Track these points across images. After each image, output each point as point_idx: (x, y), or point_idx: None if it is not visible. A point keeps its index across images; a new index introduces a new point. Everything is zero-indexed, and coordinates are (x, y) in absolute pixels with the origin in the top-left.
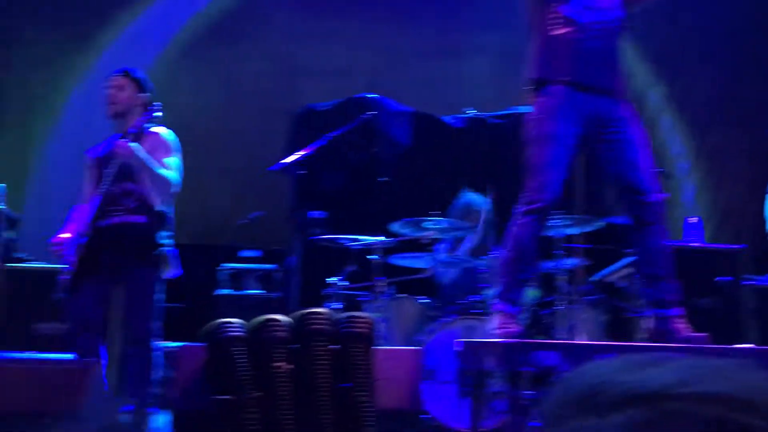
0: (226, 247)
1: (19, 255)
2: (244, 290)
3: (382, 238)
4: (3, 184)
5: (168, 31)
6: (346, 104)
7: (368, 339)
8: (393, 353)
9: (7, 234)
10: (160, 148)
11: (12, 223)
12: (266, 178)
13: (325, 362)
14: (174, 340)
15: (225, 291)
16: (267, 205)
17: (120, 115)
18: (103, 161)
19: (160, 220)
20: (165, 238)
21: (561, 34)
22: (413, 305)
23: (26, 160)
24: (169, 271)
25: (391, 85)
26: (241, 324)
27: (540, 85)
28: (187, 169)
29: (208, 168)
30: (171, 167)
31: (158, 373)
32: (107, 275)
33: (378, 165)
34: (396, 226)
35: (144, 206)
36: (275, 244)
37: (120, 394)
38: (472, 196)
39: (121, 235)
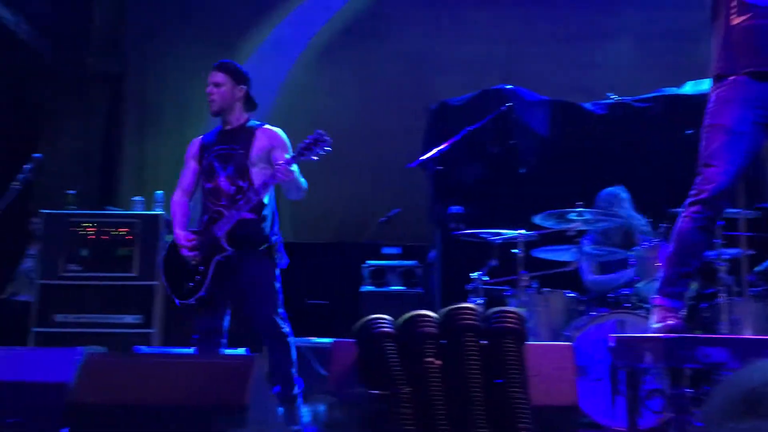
0: (369, 244)
1: None
2: (387, 287)
3: (524, 232)
4: (161, 191)
5: (305, 36)
6: (481, 97)
7: (519, 334)
8: (544, 348)
9: (167, 238)
10: (280, 147)
11: (170, 226)
12: (404, 174)
13: (476, 358)
14: (321, 336)
15: (368, 288)
16: (405, 201)
17: (222, 112)
18: (209, 155)
19: (269, 214)
20: (274, 231)
21: (740, 22)
22: (560, 299)
23: (181, 166)
24: (281, 262)
25: (527, 74)
26: (390, 320)
27: (720, 77)
28: (327, 168)
29: (347, 167)
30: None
31: (295, 365)
32: (228, 280)
33: (517, 157)
34: (538, 219)
35: (256, 203)
36: (414, 240)
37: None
38: (616, 188)
39: (237, 233)
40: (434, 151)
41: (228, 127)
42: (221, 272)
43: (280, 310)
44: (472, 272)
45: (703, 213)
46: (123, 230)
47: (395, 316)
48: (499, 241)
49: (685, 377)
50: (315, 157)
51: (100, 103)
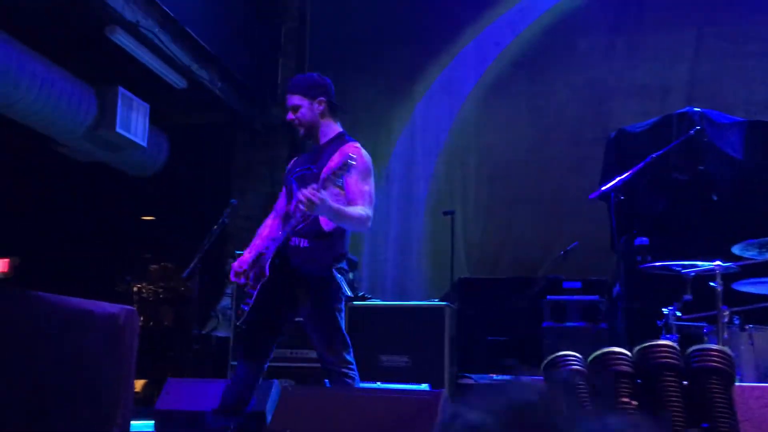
0: (549, 278)
1: (360, 293)
2: (568, 322)
3: (721, 263)
4: None
5: (475, 74)
6: (664, 122)
7: (727, 375)
8: (756, 391)
9: (349, 275)
10: (354, 170)
11: (352, 265)
12: (581, 206)
13: (677, 399)
14: (500, 373)
15: (549, 323)
16: (584, 233)
17: (310, 132)
18: (291, 177)
19: (330, 244)
20: (334, 262)
21: None
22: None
23: None
24: (339, 296)
25: (711, 94)
26: (579, 357)
27: None
28: (503, 201)
29: (523, 200)
30: (364, 199)
31: None
32: (280, 304)
33: (708, 183)
34: (738, 249)
35: (309, 230)
36: (594, 273)
37: None
38: None
39: (276, 259)
40: (616, 180)
41: (316, 145)
42: (264, 298)
43: (337, 346)
44: (662, 307)
45: None
46: None
47: (578, 353)
48: (693, 274)
49: None
50: (342, 180)
51: (282, 149)
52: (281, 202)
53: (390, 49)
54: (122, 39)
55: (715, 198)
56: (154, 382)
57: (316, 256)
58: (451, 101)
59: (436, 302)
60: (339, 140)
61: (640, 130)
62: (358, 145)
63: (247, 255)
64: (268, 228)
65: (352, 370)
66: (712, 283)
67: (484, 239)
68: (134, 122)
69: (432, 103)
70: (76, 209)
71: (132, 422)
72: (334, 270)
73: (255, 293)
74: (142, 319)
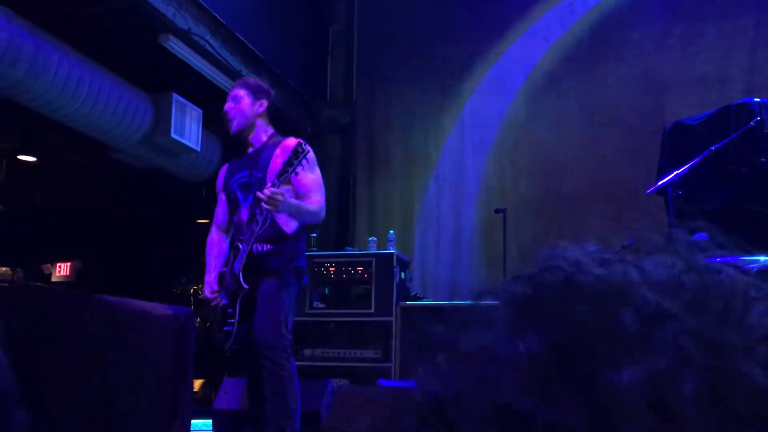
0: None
1: (413, 293)
2: None
3: None
4: (392, 231)
5: (525, 69)
6: (723, 113)
7: None
8: None
9: (401, 275)
10: (304, 161)
11: (404, 265)
12: (637, 201)
13: None
14: None
15: None
16: (639, 229)
17: (242, 131)
18: (233, 184)
19: (291, 245)
20: (294, 265)
21: None
22: None
23: (411, 206)
24: (294, 295)
25: None
26: None
27: None
28: (553, 198)
29: (574, 196)
30: (317, 190)
31: (293, 396)
32: (251, 314)
33: None
34: None
35: (270, 234)
36: None
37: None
38: None
39: (248, 267)
40: (673, 174)
41: (251, 150)
42: (245, 310)
43: (279, 338)
44: None
45: None
46: (360, 269)
47: None
48: (757, 269)
49: None
50: (296, 172)
51: (334, 151)
52: (221, 213)
53: (437, 47)
54: (175, 46)
55: None
56: (211, 382)
57: (279, 257)
58: (500, 98)
59: (489, 302)
60: (275, 139)
61: (698, 122)
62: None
63: (210, 277)
64: (217, 245)
65: (286, 359)
66: None
67: (537, 237)
68: (188, 128)
69: (481, 100)
70: (134, 214)
71: (192, 421)
72: (291, 268)
73: (237, 309)
74: (198, 320)
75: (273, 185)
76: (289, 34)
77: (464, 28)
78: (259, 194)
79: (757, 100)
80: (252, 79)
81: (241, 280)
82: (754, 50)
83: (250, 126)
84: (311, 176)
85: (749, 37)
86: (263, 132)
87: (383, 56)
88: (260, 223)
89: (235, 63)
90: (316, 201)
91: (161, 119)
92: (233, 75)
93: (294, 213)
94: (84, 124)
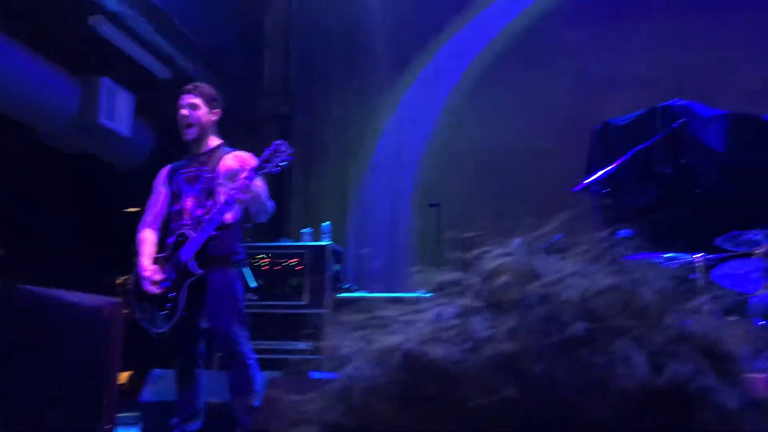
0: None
1: (346, 285)
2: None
3: (704, 255)
4: (328, 223)
5: (462, 64)
6: (649, 115)
7: None
8: None
9: (335, 267)
10: (257, 173)
11: (338, 256)
12: (567, 198)
13: None
14: None
15: None
16: (568, 226)
17: (197, 135)
18: (178, 178)
19: (232, 233)
20: (239, 249)
21: None
22: (746, 328)
23: (347, 198)
24: (250, 283)
25: (700, 87)
26: None
27: None
28: (488, 194)
29: (508, 193)
30: (267, 193)
31: (259, 384)
32: (198, 301)
33: (691, 176)
34: (720, 241)
35: (220, 222)
36: None
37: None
38: None
39: (205, 254)
40: (599, 173)
41: (199, 151)
42: (192, 296)
43: (241, 328)
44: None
45: None
46: (294, 260)
47: None
48: (675, 266)
49: None
50: (276, 169)
51: (270, 141)
52: (158, 204)
53: (376, 40)
54: (106, 29)
55: (697, 191)
56: (139, 374)
57: (224, 244)
58: (437, 93)
59: (422, 294)
60: (222, 148)
61: (625, 123)
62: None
63: (148, 264)
64: (150, 233)
65: (249, 348)
66: (692, 276)
67: (470, 232)
68: (118, 113)
69: (418, 94)
70: (61, 200)
71: (118, 414)
72: (237, 258)
73: (183, 295)
74: (126, 311)
75: (248, 178)
76: (225, 22)
77: (402, 22)
78: (238, 182)
79: (682, 102)
80: (205, 86)
81: (193, 266)
82: (683, 54)
83: (204, 133)
84: (263, 184)
85: (679, 41)
86: (212, 138)
87: (321, 47)
88: (211, 212)
89: (168, 47)
90: (270, 202)
91: (90, 103)
92: (165, 60)
93: (260, 205)
94: (8, 106)
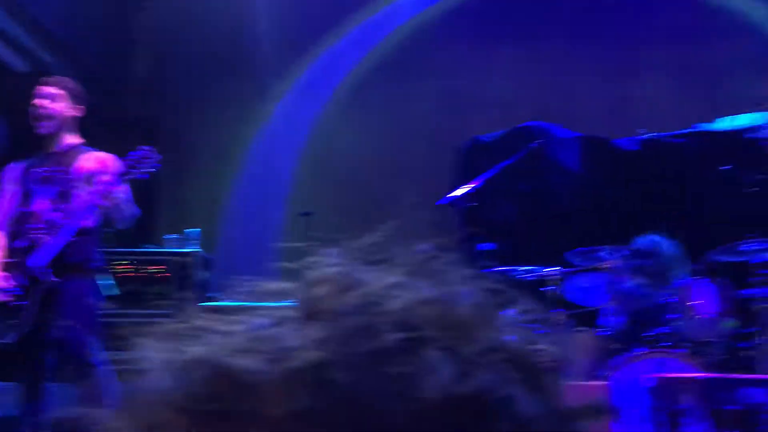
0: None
1: (213, 294)
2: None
3: (557, 269)
4: (198, 229)
5: (337, 77)
6: (512, 134)
7: (553, 374)
8: (581, 388)
9: (202, 275)
10: (110, 174)
11: (205, 264)
12: (435, 213)
13: None
14: None
15: None
16: (437, 239)
17: (51, 129)
18: (30, 177)
19: (91, 239)
20: (97, 256)
21: None
22: (591, 338)
23: (217, 204)
24: (110, 291)
25: (561, 110)
26: None
27: None
28: (359, 205)
29: (378, 204)
30: (129, 197)
31: (111, 402)
32: (50, 310)
33: (548, 194)
34: (571, 256)
35: (78, 227)
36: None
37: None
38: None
39: (61, 260)
40: (464, 188)
41: (54, 149)
42: (44, 304)
43: (95, 338)
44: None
45: None
46: (158, 267)
47: None
48: (531, 279)
49: (730, 419)
50: (143, 176)
51: (135, 145)
52: (10, 204)
53: (251, 45)
54: None
55: (553, 208)
56: None
57: (80, 250)
58: (313, 102)
59: (290, 303)
60: (80, 147)
61: (490, 141)
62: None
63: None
64: (1, 236)
65: (105, 363)
66: (544, 288)
67: (340, 243)
68: None
69: (294, 102)
70: None
71: None
72: (94, 266)
73: (36, 303)
74: None
75: (112, 183)
76: (90, 18)
77: (279, 29)
78: (103, 187)
79: (541, 124)
80: (69, 81)
81: (46, 273)
82: (543, 76)
83: (61, 129)
84: (125, 187)
85: (545, 63)
86: (70, 136)
87: (193, 49)
88: (67, 216)
89: (26, 39)
90: (133, 208)
91: None
92: (23, 51)
93: (119, 213)
94: None
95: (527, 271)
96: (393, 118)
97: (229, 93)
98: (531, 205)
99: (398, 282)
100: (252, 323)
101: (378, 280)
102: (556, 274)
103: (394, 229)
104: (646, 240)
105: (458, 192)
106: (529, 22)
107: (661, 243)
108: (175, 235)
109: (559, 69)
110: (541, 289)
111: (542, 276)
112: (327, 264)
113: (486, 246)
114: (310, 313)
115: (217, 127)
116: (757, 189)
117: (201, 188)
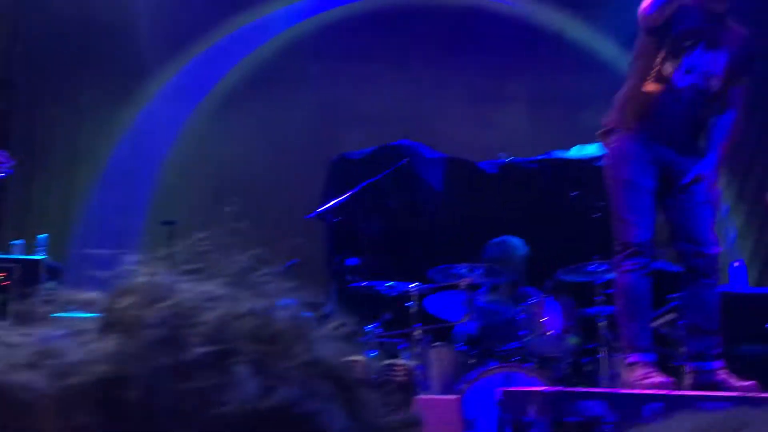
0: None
1: (51, 304)
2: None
3: (418, 285)
4: (45, 234)
5: (207, 84)
6: (381, 152)
7: (408, 387)
8: (434, 402)
9: (49, 284)
10: None
11: (53, 272)
12: (304, 226)
13: None
14: None
15: None
16: (304, 253)
17: None
18: None
19: None
20: None
21: (654, 90)
22: (449, 353)
23: (72, 209)
24: None
25: (429, 131)
26: None
27: (613, 131)
28: (226, 217)
29: (247, 216)
30: None
31: None
32: None
33: (415, 212)
34: (433, 273)
35: None
36: (311, 292)
37: None
38: (509, 242)
39: None
40: (331, 202)
41: None
42: None
43: None
44: (368, 325)
45: (642, 264)
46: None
47: None
48: (394, 294)
49: (570, 430)
50: None
51: None
52: None
53: (118, 43)
54: None
55: (420, 225)
56: None
57: None
58: (180, 108)
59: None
60: None
61: (359, 158)
62: None
63: None
64: None
65: None
66: (406, 303)
67: (204, 254)
68: None
69: (160, 108)
70: None
71: None
72: None
73: None
74: None
75: None
76: None
77: (150, 30)
78: None
79: (409, 143)
80: None
81: None
82: (414, 96)
83: None
84: None
85: (416, 85)
86: None
87: (54, 42)
88: None
89: None
90: None
91: None
92: None
93: None
94: None
95: (390, 287)
96: (265, 128)
97: (91, 91)
98: (397, 222)
99: (215, 293)
100: (40, 335)
101: (192, 291)
102: (417, 290)
103: (218, 239)
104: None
105: (326, 206)
106: (403, 43)
107: (515, 245)
108: (21, 241)
109: (430, 90)
110: (404, 304)
111: (404, 291)
112: (138, 273)
113: (352, 261)
114: (109, 325)
115: (77, 126)
116: (600, 214)
117: (55, 191)
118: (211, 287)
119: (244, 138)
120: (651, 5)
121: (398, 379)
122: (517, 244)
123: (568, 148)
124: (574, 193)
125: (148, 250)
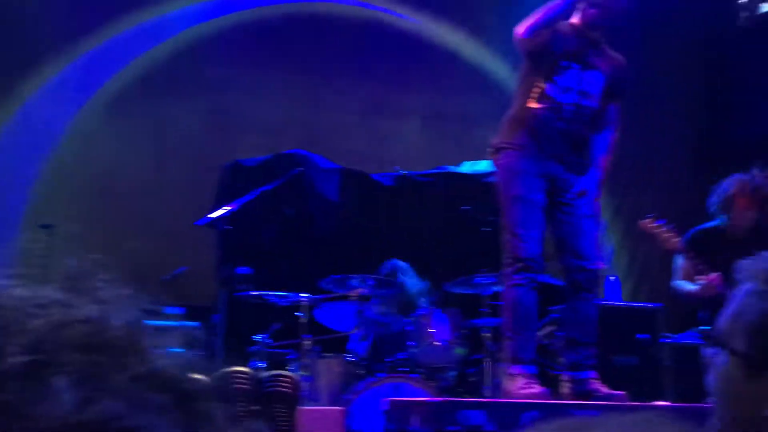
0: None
1: None
2: (166, 348)
3: (308, 295)
4: None
5: (94, 83)
6: (275, 160)
7: (292, 398)
8: (318, 413)
9: None
10: None
11: None
12: (193, 232)
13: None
14: None
15: None
16: (193, 260)
17: None
18: None
19: None
20: None
21: (536, 108)
22: (339, 364)
23: None
24: None
25: (325, 141)
26: None
27: (503, 148)
28: (112, 221)
29: (134, 220)
30: None
31: None
32: None
33: (308, 221)
34: (324, 283)
35: None
36: (200, 300)
37: None
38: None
39: None
40: (223, 210)
41: None
42: None
43: None
44: (257, 335)
45: (528, 277)
46: None
47: None
48: (284, 304)
49: None
50: None
51: None
52: None
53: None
54: None
55: (314, 235)
56: None
57: None
58: (65, 106)
59: None
60: None
61: (253, 165)
62: None
63: None
64: None
65: None
66: (296, 314)
67: (84, 259)
68: None
69: (43, 104)
70: None
71: None
72: None
73: None
74: None
75: None
76: None
77: (37, 19)
78: None
79: (304, 152)
80: None
81: None
82: (311, 106)
83: None
84: None
85: (314, 95)
86: None
87: None
88: None
89: None
90: None
91: None
92: None
93: None
94: None
95: (281, 297)
96: (155, 132)
97: None
98: (289, 231)
99: (46, 299)
100: None
101: (20, 296)
102: (307, 300)
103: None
104: (389, 265)
105: (217, 213)
106: (302, 52)
107: (404, 270)
108: None
109: (326, 101)
110: (294, 314)
111: (295, 301)
112: None
113: (243, 269)
114: None
115: None
116: (489, 229)
117: None
118: (46, 292)
119: (133, 140)
120: (526, 30)
121: (282, 390)
122: (404, 264)
123: (460, 163)
124: (465, 207)
125: (21, 255)
